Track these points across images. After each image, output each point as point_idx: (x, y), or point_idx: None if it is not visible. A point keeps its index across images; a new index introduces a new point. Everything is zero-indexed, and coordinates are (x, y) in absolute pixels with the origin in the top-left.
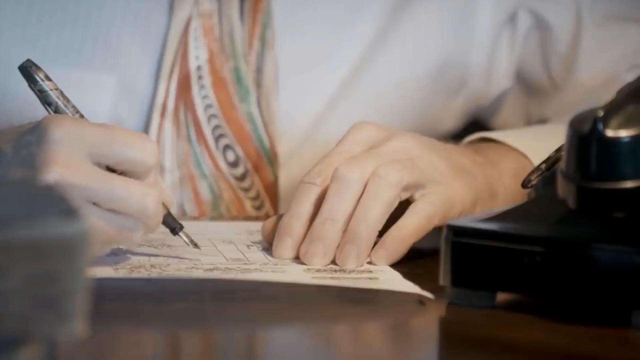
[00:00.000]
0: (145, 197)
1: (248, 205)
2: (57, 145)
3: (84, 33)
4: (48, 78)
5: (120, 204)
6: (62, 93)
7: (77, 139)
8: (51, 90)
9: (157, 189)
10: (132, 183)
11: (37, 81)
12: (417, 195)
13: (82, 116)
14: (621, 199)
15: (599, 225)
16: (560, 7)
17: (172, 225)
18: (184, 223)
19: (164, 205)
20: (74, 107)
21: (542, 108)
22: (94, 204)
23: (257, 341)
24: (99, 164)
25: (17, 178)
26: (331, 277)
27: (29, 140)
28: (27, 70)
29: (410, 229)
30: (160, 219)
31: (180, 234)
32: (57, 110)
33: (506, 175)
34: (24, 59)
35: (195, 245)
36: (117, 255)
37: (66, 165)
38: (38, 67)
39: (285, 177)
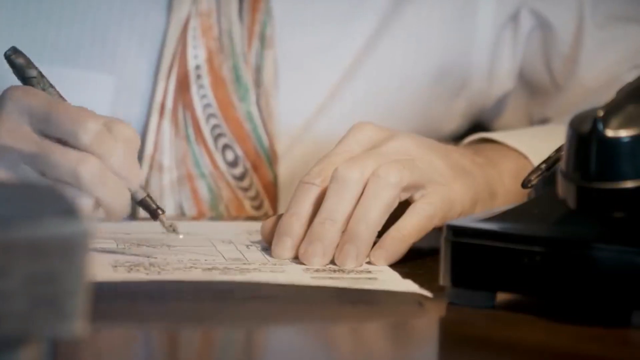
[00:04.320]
0: (78, 165)
1: (247, 204)
2: (6, 113)
3: (81, 32)
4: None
5: (52, 170)
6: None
7: (23, 110)
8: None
9: (111, 161)
10: (70, 151)
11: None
12: (417, 195)
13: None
14: (621, 199)
15: (599, 225)
16: (562, 8)
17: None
18: (183, 223)
19: (144, 189)
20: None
21: (543, 108)
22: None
23: (256, 341)
24: (43, 135)
25: None
26: (330, 277)
27: None
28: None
29: (410, 229)
30: (112, 195)
31: (161, 217)
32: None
33: (506, 176)
34: None
35: (174, 230)
36: (116, 254)
37: (9, 130)
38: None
39: (284, 173)
